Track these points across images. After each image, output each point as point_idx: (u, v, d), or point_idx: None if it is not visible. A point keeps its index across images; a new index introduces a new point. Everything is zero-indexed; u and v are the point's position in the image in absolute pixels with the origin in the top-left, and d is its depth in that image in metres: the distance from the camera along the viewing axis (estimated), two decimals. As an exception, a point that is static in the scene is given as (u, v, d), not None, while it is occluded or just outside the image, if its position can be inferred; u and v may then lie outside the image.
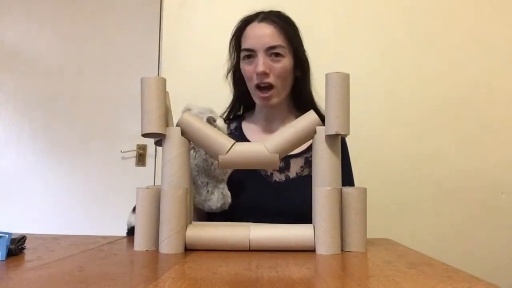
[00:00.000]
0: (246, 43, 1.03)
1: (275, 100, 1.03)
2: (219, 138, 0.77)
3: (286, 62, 1.02)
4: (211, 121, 0.84)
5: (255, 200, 0.99)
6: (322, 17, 1.55)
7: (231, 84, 1.15)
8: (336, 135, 0.74)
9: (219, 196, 0.90)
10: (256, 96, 1.04)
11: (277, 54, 1.00)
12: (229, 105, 1.17)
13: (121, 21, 2.03)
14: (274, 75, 1.00)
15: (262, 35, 1.01)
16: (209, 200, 0.89)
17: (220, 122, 0.88)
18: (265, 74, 0.99)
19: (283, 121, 1.09)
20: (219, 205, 0.90)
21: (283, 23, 1.04)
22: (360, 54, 1.53)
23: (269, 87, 1.01)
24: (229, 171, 0.93)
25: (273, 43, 1.00)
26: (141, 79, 0.76)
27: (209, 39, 1.53)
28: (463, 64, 1.54)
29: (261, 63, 0.99)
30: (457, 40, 1.55)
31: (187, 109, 0.87)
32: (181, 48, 1.54)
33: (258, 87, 1.02)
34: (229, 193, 0.92)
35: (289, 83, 1.06)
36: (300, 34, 1.09)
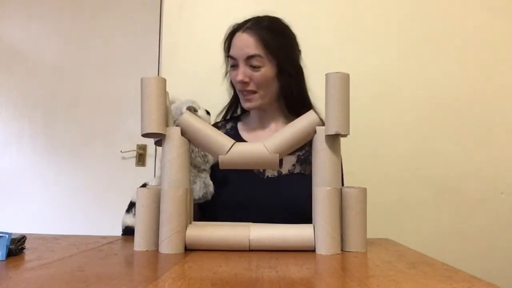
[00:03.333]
0: (231, 51, 1.08)
1: (257, 103, 1.07)
2: (219, 138, 0.77)
3: (265, 70, 1.04)
4: (191, 110, 0.85)
5: (248, 195, 1.02)
6: (323, 17, 1.54)
7: (229, 85, 1.19)
8: (336, 135, 0.74)
9: (201, 186, 0.90)
10: (241, 99, 1.10)
11: (255, 65, 1.04)
12: (226, 106, 1.22)
13: (121, 21, 2.03)
14: (254, 83, 1.05)
15: (243, 45, 1.05)
16: (191, 189, 0.89)
17: (201, 113, 0.88)
18: (245, 83, 1.05)
19: (276, 123, 1.13)
20: (201, 194, 0.89)
21: (266, 33, 1.05)
22: (360, 54, 1.53)
23: (252, 92, 1.06)
24: (211, 160, 0.93)
25: (252, 53, 1.03)
26: (141, 79, 0.76)
27: (209, 39, 1.52)
28: (463, 64, 1.54)
29: (241, 72, 1.04)
30: (457, 40, 1.55)
31: (171, 103, 0.87)
32: (181, 48, 1.54)
33: (241, 92, 1.08)
34: (211, 182, 0.92)
35: (272, 89, 1.08)
36: (289, 42, 1.10)
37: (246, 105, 1.09)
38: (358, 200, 0.75)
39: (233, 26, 1.10)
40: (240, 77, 1.03)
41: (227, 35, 1.12)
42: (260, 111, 1.12)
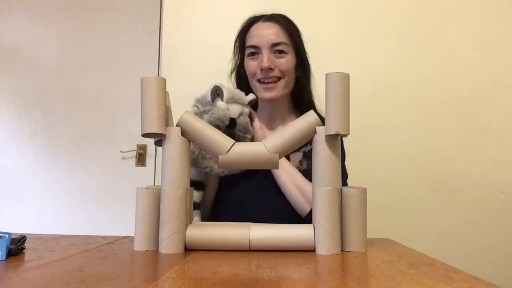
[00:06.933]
0: (251, 41, 1.07)
1: (279, 92, 1.06)
2: (219, 138, 0.77)
3: (289, 58, 1.06)
4: (215, 92, 0.92)
5: (254, 193, 1.02)
6: (323, 17, 1.55)
7: (235, 83, 1.17)
8: (336, 135, 0.74)
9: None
10: (260, 89, 1.07)
11: (280, 51, 1.05)
12: None
13: (121, 21, 2.03)
14: (279, 69, 1.05)
15: (267, 33, 1.05)
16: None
17: (220, 103, 0.91)
18: (270, 69, 1.04)
19: (284, 120, 1.12)
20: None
21: (287, 23, 1.09)
22: (360, 54, 1.53)
23: (276, 79, 1.05)
24: (196, 152, 0.96)
25: (277, 40, 1.04)
26: (141, 79, 0.76)
27: (209, 39, 1.53)
28: (463, 64, 1.54)
29: (266, 59, 1.03)
30: (457, 40, 1.55)
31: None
32: (181, 48, 1.54)
33: (262, 82, 1.06)
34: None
35: (292, 80, 1.09)
36: (302, 36, 1.12)
37: (267, 94, 1.06)
38: (358, 200, 0.75)
39: (249, 19, 1.11)
40: (266, 63, 1.02)
41: (242, 28, 1.12)
42: (272, 106, 1.11)
